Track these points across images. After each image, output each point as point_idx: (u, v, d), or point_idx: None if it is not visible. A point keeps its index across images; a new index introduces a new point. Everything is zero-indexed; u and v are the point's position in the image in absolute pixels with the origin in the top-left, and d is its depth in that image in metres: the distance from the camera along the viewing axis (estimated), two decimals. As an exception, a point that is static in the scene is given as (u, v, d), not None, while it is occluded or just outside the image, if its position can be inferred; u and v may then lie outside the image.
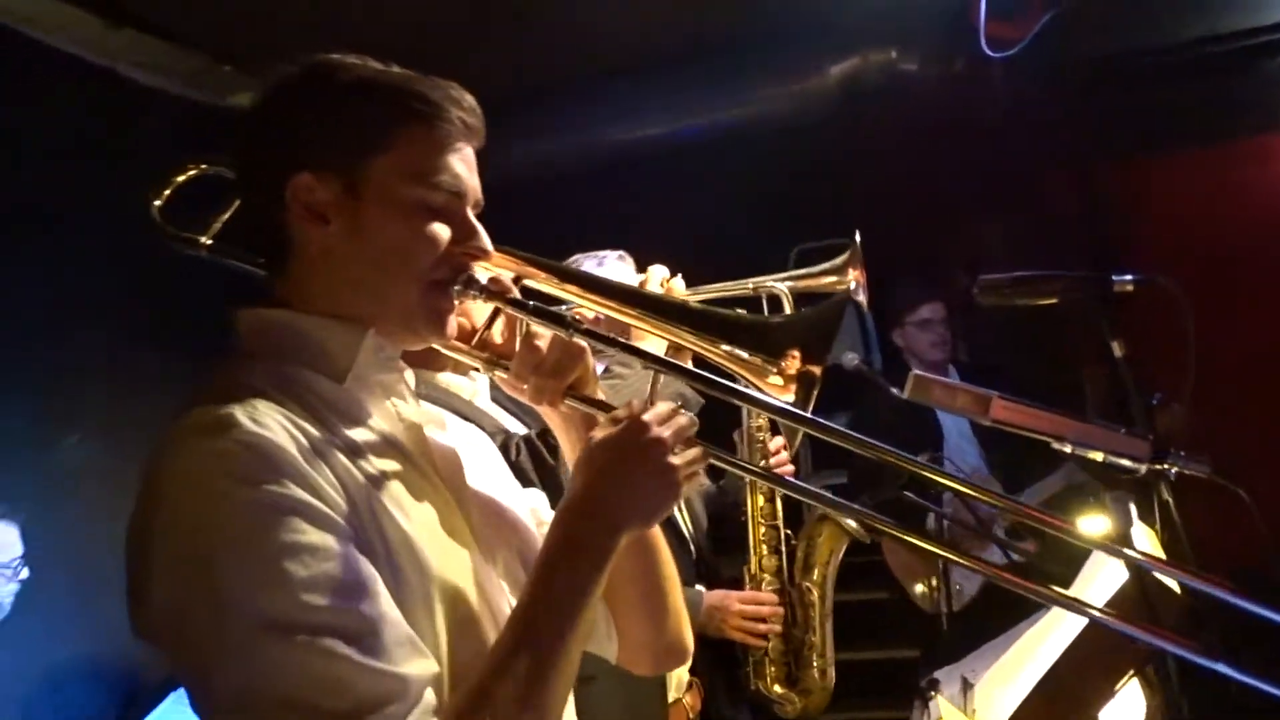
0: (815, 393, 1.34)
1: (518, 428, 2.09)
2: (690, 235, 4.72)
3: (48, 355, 3.27)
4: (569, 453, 1.42)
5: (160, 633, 1.07)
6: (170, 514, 1.06)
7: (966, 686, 2.20)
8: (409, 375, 1.34)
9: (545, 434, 1.93)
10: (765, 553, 2.67)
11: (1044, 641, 2.05)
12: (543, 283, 1.48)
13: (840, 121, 4.44)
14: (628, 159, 4.63)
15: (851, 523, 2.71)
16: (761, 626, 2.54)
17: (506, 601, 1.27)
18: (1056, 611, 2.10)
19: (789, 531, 2.74)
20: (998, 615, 2.22)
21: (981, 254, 4.51)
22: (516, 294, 1.33)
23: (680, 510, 2.66)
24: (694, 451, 1.24)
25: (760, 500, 2.71)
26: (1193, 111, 4.18)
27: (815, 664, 2.65)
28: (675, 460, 1.21)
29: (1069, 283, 2.00)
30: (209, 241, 1.43)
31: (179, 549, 1.05)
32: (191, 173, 1.42)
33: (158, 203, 1.45)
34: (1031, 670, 1.99)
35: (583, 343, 1.33)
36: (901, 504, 2.78)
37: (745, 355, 1.36)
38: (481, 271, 1.30)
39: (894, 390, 3.49)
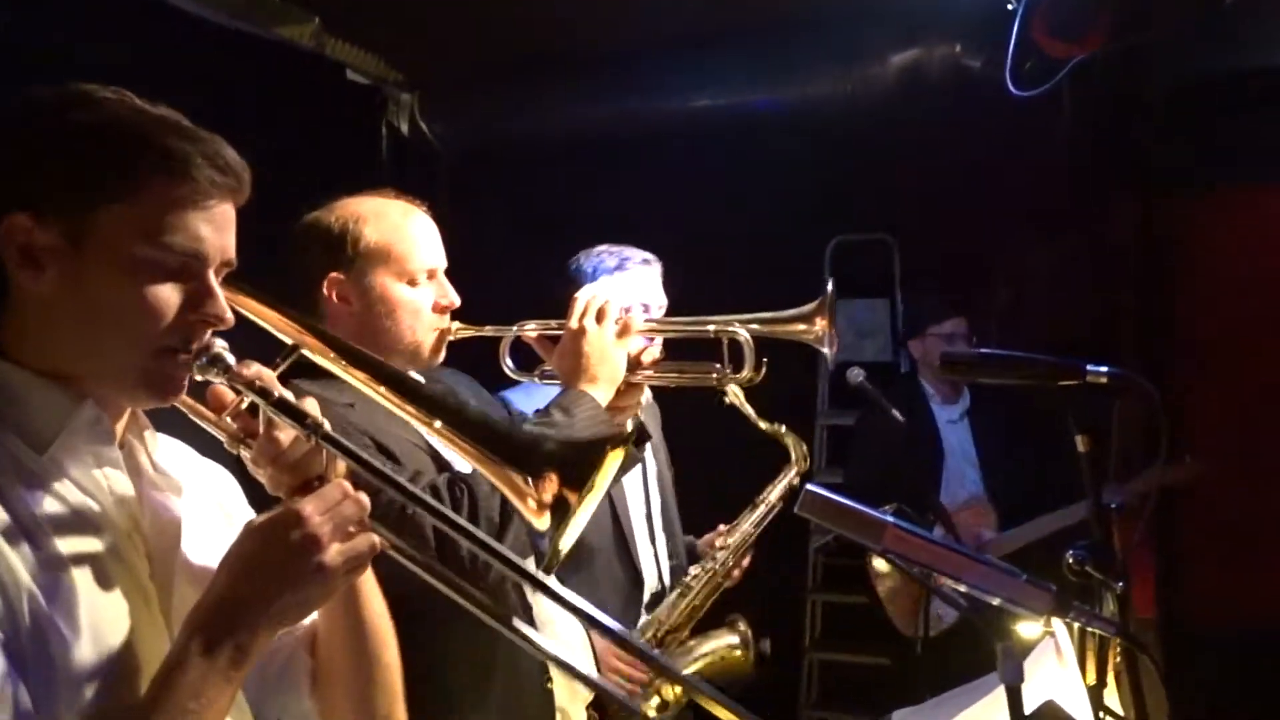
0: (570, 521, 1.29)
1: None
2: (731, 214, 4.63)
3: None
4: None
5: None
6: None
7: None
8: (149, 436, 1.26)
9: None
10: (681, 620, 2.65)
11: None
12: (318, 354, 1.39)
13: (895, 113, 4.26)
14: (673, 130, 4.51)
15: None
16: (627, 686, 2.57)
17: None
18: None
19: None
20: (970, 649, 2.17)
21: (1026, 271, 4.34)
22: (267, 379, 1.22)
23: (643, 550, 2.69)
24: (361, 541, 1.13)
25: (706, 581, 2.68)
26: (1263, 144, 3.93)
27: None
28: (330, 557, 1.10)
29: (1038, 367, 1.90)
30: None
31: None
32: None
33: None
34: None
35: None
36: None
37: (507, 470, 1.29)
38: (228, 353, 1.20)
39: (894, 413, 3.41)
